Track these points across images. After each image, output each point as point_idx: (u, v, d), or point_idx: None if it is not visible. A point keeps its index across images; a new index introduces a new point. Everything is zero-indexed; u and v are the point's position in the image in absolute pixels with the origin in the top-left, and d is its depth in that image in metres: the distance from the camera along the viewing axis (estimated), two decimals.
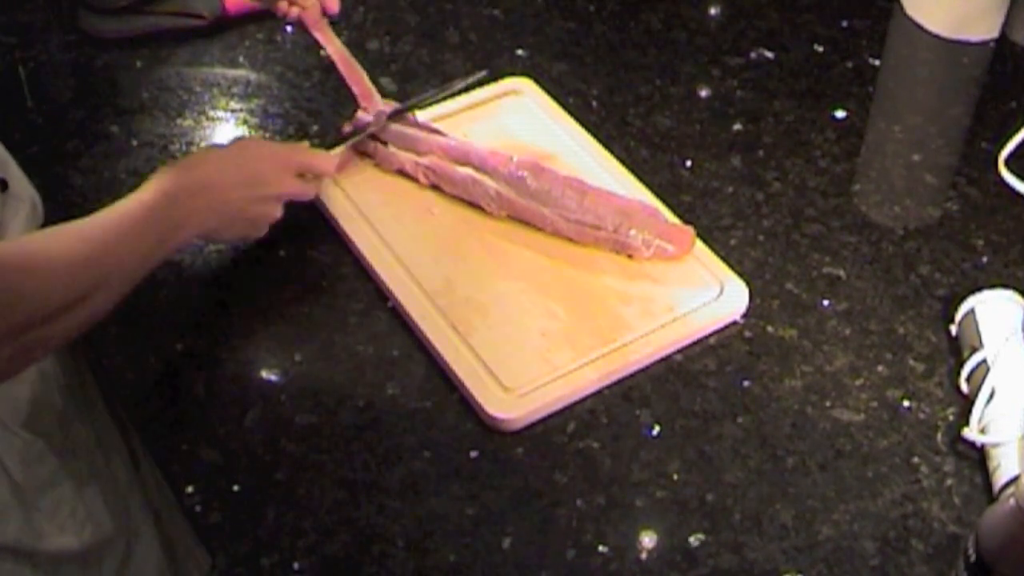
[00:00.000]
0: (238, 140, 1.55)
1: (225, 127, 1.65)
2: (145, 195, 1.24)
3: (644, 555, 1.20)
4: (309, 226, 1.50)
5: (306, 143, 1.49)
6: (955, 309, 1.39)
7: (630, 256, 1.44)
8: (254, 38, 1.78)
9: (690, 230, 1.46)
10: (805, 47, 1.81)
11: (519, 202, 1.46)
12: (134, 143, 1.60)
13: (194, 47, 1.77)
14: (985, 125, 1.69)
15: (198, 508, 1.23)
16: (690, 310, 1.40)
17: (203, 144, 1.61)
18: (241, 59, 1.75)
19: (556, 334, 1.37)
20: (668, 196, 1.53)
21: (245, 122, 1.65)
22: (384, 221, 1.48)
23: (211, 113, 1.66)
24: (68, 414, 1.34)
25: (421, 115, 1.61)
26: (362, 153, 1.56)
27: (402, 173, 1.54)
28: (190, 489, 1.25)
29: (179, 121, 1.64)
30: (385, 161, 1.54)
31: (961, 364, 1.34)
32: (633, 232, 1.43)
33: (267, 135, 1.62)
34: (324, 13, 1.57)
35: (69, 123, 1.65)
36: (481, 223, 1.49)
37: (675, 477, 1.26)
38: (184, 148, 1.60)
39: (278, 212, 1.40)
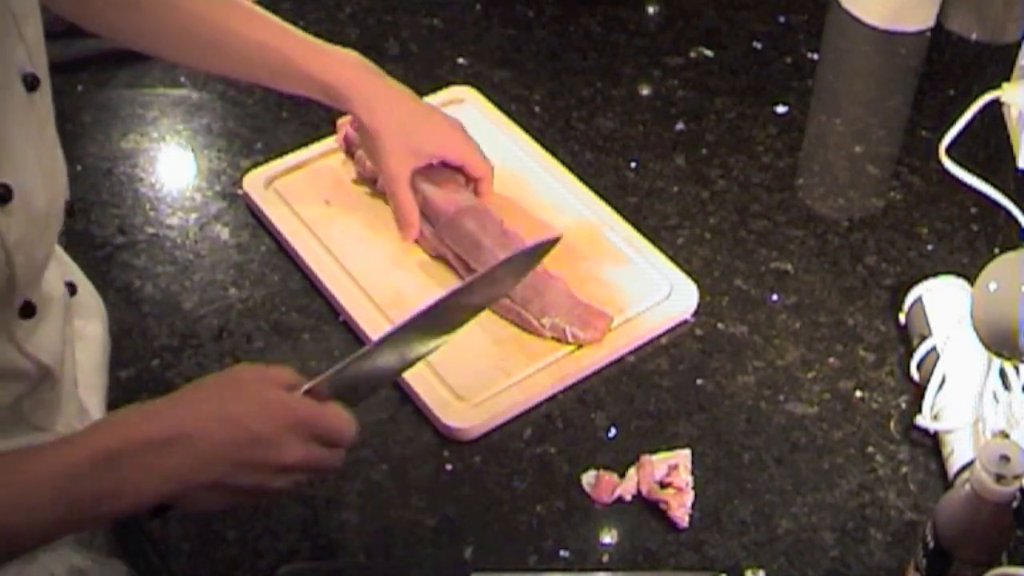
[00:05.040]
0: (233, 379, 1.08)
1: (170, 147, 1.64)
2: (83, 442, 0.98)
3: (605, 557, 1.21)
4: (256, 244, 1.50)
5: (312, 403, 1.08)
6: (903, 298, 1.40)
7: (526, 330, 1.39)
8: None
9: (609, 317, 1.38)
10: (743, 44, 1.82)
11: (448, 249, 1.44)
12: (79, 168, 1.60)
13: (134, 68, 1.75)
14: (925, 114, 1.71)
15: (158, 532, 1.22)
16: (641, 311, 1.40)
17: (149, 167, 1.60)
18: (182, 79, 1.74)
19: (508, 341, 1.37)
20: (614, 198, 1.54)
21: (190, 141, 1.64)
22: (332, 236, 1.48)
23: (154, 134, 1.66)
24: None
25: None
26: (349, 153, 1.57)
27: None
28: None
29: (123, 144, 1.64)
30: (361, 164, 1.54)
31: (911, 352, 1.35)
32: (545, 320, 1.37)
33: (212, 153, 1.62)
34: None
35: None
36: None
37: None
38: (129, 170, 1.59)
39: (279, 483, 1.05)
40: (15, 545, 0.96)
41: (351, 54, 1.42)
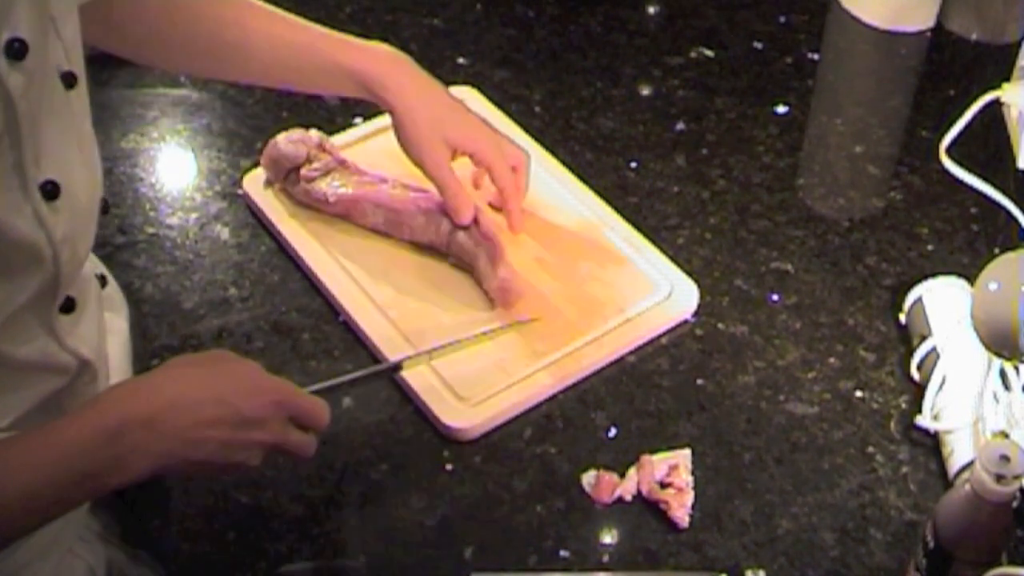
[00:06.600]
0: (222, 360, 1.13)
1: (170, 147, 1.64)
2: (81, 421, 1.00)
3: (606, 558, 1.21)
4: (256, 244, 1.50)
5: (292, 385, 1.14)
6: (903, 298, 1.40)
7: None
8: None
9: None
10: (744, 44, 1.82)
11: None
12: None
13: (135, 69, 1.75)
14: (925, 114, 1.71)
15: (158, 534, 1.23)
16: (641, 311, 1.40)
17: (149, 167, 1.60)
18: (183, 78, 1.74)
19: (508, 341, 1.37)
20: (614, 198, 1.54)
21: (190, 141, 1.64)
22: (331, 235, 1.48)
23: (154, 134, 1.66)
24: None
25: (364, 125, 1.61)
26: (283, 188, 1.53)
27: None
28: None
29: (123, 144, 1.64)
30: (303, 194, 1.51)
31: (911, 352, 1.35)
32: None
33: (212, 153, 1.62)
34: None
35: None
36: None
37: None
38: (129, 170, 1.59)
39: (256, 461, 1.09)
40: (14, 527, 0.97)
41: (382, 46, 1.41)
